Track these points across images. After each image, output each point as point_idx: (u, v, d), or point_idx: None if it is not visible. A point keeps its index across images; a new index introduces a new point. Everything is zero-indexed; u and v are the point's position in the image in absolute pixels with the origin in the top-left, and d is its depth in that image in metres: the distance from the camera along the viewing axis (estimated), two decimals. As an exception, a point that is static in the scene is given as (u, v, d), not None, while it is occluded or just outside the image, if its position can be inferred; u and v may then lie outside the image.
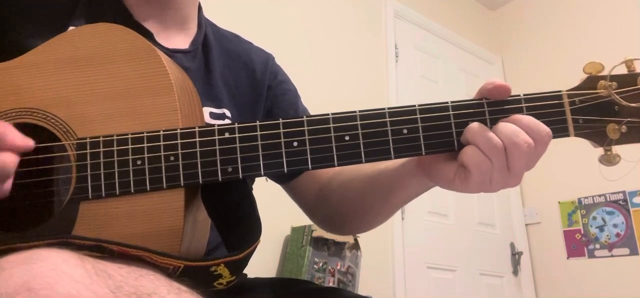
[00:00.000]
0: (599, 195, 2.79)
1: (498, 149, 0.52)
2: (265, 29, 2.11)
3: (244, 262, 0.54)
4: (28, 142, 0.50)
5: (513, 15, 3.55)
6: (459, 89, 3.14)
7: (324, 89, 2.31)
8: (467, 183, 0.54)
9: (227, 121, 0.74)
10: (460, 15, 3.43)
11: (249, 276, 0.77)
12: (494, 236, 3.00)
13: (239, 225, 0.59)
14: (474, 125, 0.53)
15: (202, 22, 0.82)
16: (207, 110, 0.72)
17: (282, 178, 0.82)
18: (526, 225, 3.13)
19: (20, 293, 0.32)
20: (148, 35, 0.71)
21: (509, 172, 0.52)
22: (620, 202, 2.71)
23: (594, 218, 2.80)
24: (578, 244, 2.84)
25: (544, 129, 0.52)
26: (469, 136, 0.53)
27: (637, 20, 2.70)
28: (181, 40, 0.77)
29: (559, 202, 2.97)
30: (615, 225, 2.72)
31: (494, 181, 0.53)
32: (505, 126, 0.52)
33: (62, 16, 0.69)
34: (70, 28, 0.66)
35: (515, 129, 0.52)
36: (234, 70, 0.81)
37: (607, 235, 2.73)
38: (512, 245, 3.05)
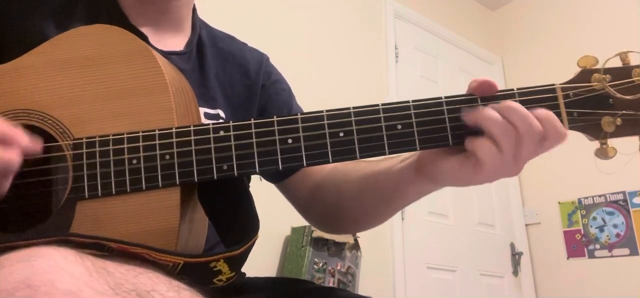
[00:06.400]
0: (599, 196, 2.79)
1: (510, 131, 0.51)
2: (265, 30, 2.11)
3: (243, 257, 0.54)
4: (36, 146, 0.50)
5: (513, 15, 3.55)
6: (459, 89, 3.06)
7: (324, 90, 2.31)
8: (477, 173, 0.54)
9: (221, 122, 0.74)
10: (460, 15, 3.42)
11: (248, 276, 0.77)
12: (494, 236, 3.00)
13: (236, 222, 0.59)
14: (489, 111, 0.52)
15: (197, 23, 0.82)
16: (201, 111, 0.72)
17: (275, 177, 0.81)
18: (526, 225, 3.12)
19: (21, 290, 0.32)
20: (142, 38, 0.71)
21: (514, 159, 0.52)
22: (620, 203, 2.71)
23: (594, 218, 2.80)
24: (578, 244, 2.84)
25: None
26: (480, 120, 0.52)
27: (637, 19, 2.69)
28: (175, 42, 0.77)
29: (559, 202, 2.96)
30: (615, 226, 2.71)
31: (500, 169, 0.52)
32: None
33: (62, 15, 0.69)
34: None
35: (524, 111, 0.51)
36: (228, 71, 0.81)
37: (607, 236, 2.73)
38: (512, 246, 3.04)
